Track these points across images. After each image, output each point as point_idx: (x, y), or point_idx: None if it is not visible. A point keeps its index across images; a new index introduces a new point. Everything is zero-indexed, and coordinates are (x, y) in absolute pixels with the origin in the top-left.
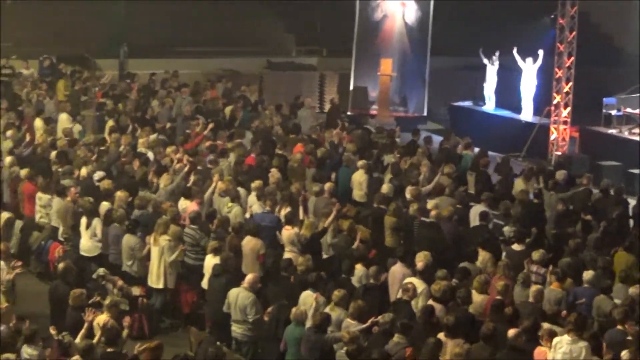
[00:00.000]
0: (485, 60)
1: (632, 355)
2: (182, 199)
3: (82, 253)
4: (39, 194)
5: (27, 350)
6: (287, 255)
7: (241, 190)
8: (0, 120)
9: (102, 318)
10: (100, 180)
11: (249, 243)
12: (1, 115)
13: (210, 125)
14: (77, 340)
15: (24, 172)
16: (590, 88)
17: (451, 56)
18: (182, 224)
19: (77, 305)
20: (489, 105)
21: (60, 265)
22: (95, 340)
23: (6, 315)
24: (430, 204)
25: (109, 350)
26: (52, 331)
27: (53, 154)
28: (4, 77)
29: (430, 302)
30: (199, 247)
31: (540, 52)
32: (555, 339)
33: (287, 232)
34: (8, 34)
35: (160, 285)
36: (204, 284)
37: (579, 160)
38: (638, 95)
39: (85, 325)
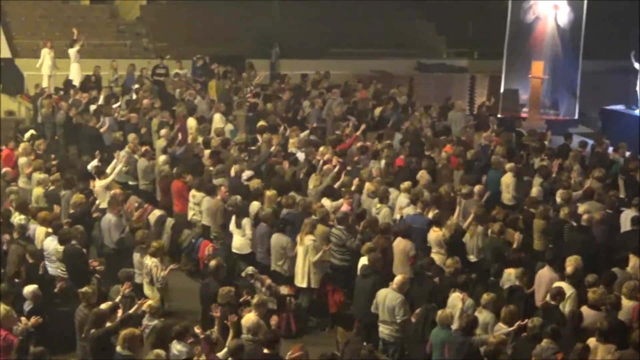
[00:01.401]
0: (637, 65)
1: None
2: (324, 198)
3: (234, 250)
4: (193, 192)
5: (176, 347)
6: (433, 256)
7: (392, 191)
8: (154, 119)
9: (250, 317)
10: (248, 179)
11: (399, 244)
12: (155, 114)
13: (363, 127)
14: (214, 336)
15: (175, 171)
16: None
17: (604, 59)
18: (330, 224)
19: (226, 303)
20: None
21: (212, 263)
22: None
23: (157, 311)
24: (581, 208)
25: (266, 351)
26: (197, 330)
27: (206, 153)
28: (158, 77)
29: (584, 307)
30: (345, 248)
31: None
32: None
33: (435, 234)
34: (162, 34)
35: (305, 285)
36: None
37: None
38: None
39: (217, 321)
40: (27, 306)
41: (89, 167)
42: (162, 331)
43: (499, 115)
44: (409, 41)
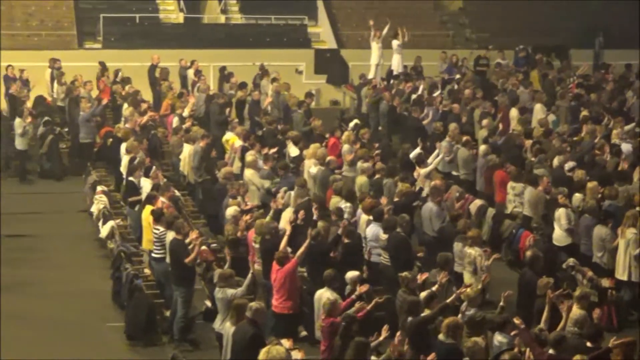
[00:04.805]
0: None
1: None
2: None
3: (554, 242)
4: (511, 183)
5: (497, 338)
6: None
7: None
8: (476, 109)
9: (576, 310)
10: (571, 170)
11: None
12: (477, 104)
13: None
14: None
15: (497, 160)
16: None
17: None
18: None
19: (544, 294)
20: None
21: (528, 253)
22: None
23: (476, 300)
24: None
25: (588, 344)
26: (516, 321)
27: (527, 143)
28: (481, 67)
29: None
30: None
31: None
32: None
33: None
34: (485, 24)
35: (625, 278)
36: None
37: None
38: None
39: (547, 308)
40: (347, 290)
41: (411, 155)
42: (478, 321)
43: None
44: None
